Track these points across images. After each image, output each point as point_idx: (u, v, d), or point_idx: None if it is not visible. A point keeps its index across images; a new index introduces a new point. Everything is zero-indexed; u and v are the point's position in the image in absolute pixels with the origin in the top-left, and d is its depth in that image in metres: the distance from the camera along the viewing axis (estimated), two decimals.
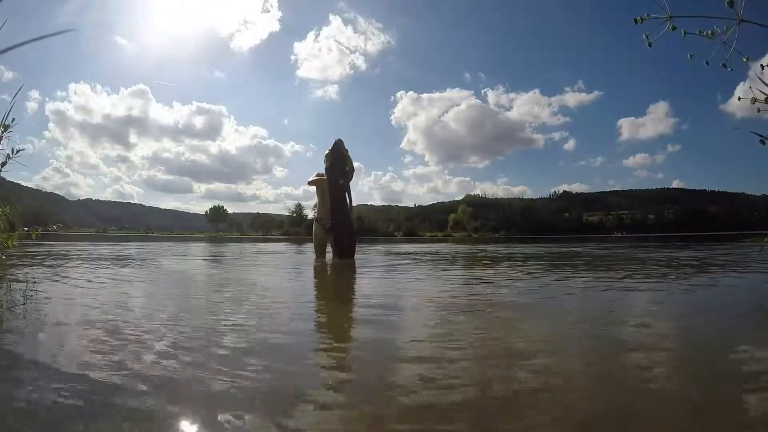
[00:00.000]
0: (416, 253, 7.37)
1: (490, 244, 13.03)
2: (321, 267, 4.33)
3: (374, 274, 3.78)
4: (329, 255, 5.12)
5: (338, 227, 4.88)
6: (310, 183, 5.25)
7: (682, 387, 0.99)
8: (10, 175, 2.40)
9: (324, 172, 5.10)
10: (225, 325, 1.52)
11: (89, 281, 2.80)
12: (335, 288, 3.02)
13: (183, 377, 0.98)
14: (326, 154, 5.05)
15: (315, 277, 3.61)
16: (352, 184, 5.16)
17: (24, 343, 1.24)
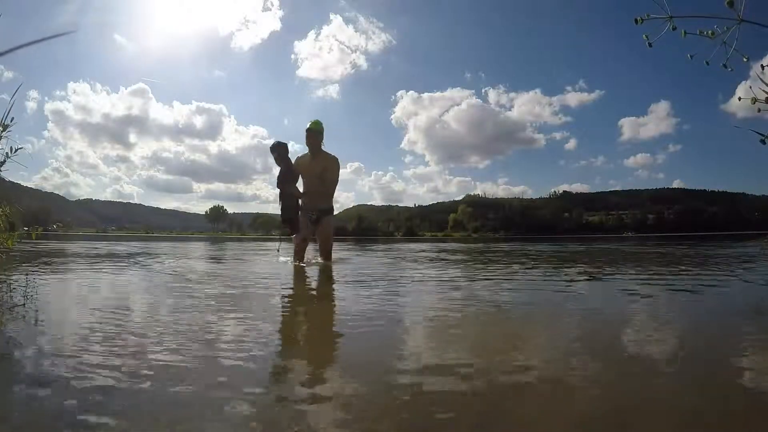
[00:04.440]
0: (449, 252, 7.24)
1: (504, 243, 12.97)
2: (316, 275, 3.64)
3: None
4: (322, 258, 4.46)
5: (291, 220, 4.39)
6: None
7: None
8: (10, 174, 2.41)
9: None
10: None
11: (89, 281, 2.81)
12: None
13: (189, 380, 0.98)
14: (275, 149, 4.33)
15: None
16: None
17: (24, 343, 1.24)
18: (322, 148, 4.31)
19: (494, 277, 3.21)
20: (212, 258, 5.63)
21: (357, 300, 2.14)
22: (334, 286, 2.81)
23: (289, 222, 4.37)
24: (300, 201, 4.37)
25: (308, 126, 4.28)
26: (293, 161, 4.39)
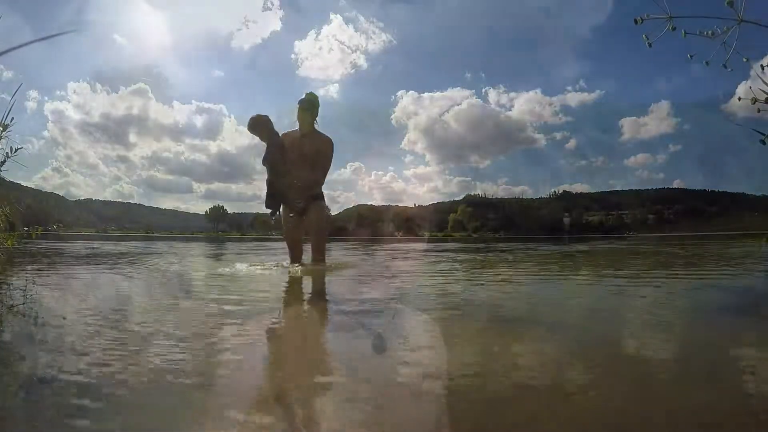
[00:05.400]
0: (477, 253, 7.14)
1: (512, 243, 12.85)
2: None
3: None
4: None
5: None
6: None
7: None
8: (10, 174, 2.40)
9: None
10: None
11: (89, 280, 2.81)
12: None
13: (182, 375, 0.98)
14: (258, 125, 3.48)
15: None
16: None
17: (24, 343, 1.24)
18: (315, 127, 3.56)
19: None
20: (187, 261, 4.95)
21: None
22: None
23: (272, 202, 3.57)
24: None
25: (302, 97, 3.52)
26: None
